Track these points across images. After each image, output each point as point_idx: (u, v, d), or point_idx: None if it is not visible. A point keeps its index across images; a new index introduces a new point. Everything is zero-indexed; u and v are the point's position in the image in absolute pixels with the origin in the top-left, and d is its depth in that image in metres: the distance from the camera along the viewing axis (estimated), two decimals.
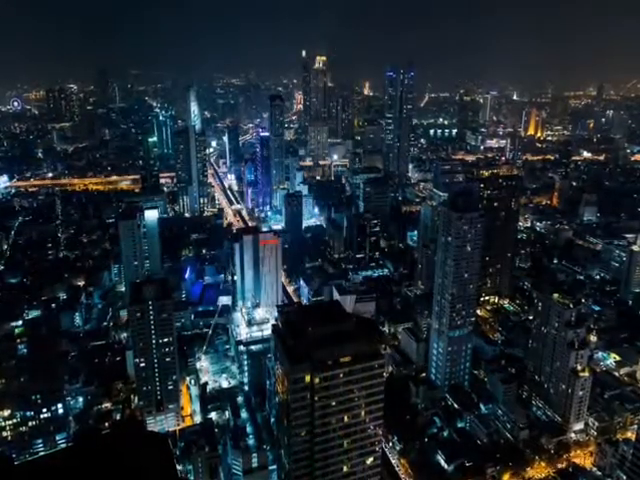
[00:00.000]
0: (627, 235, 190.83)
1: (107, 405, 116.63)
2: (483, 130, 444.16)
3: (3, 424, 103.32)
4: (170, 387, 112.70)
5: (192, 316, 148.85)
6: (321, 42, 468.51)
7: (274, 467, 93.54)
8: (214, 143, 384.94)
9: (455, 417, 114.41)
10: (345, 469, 79.54)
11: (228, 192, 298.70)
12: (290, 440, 75.92)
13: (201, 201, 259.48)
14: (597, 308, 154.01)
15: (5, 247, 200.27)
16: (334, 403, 75.10)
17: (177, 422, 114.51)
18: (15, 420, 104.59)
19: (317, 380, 72.94)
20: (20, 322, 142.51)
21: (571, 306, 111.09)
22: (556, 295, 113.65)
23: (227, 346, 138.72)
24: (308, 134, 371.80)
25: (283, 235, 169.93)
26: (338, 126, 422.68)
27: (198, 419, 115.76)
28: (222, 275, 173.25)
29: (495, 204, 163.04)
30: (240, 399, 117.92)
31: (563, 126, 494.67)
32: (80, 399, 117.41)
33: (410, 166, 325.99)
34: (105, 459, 59.06)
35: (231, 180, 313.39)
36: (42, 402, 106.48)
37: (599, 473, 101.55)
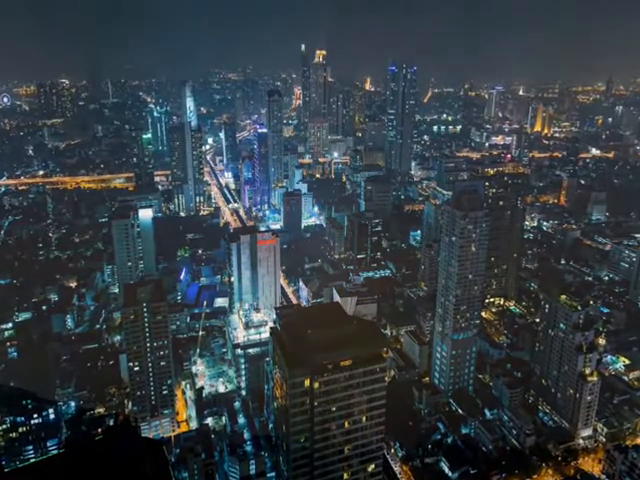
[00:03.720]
0: (637, 235, 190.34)
1: (100, 410, 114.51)
2: (488, 127, 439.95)
3: None
4: (165, 392, 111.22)
5: (188, 318, 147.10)
6: (321, 36, 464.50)
7: (272, 474, 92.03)
8: (210, 140, 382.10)
9: (459, 423, 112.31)
10: (346, 476, 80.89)
11: (225, 190, 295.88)
12: (289, 446, 75.84)
13: (197, 200, 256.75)
14: (606, 310, 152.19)
15: None
16: (334, 408, 75.23)
17: (172, 428, 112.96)
18: (5, 426, 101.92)
19: (317, 384, 73.04)
20: (10, 325, 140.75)
21: (579, 308, 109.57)
22: (563, 297, 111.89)
23: (224, 349, 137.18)
24: (307, 131, 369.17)
25: (282, 235, 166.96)
26: (338, 122, 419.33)
27: (194, 425, 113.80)
28: (219, 276, 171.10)
29: (500, 203, 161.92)
30: (237, 404, 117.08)
31: (571, 122, 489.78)
32: (72, 404, 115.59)
33: (413, 164, 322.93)
34: (98, 466, 56.93)
35: (228, 178, 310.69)
36: (33, 407, 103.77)
37: None
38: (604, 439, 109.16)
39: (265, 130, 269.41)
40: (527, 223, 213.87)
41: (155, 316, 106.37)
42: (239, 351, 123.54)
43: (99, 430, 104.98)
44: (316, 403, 73.54)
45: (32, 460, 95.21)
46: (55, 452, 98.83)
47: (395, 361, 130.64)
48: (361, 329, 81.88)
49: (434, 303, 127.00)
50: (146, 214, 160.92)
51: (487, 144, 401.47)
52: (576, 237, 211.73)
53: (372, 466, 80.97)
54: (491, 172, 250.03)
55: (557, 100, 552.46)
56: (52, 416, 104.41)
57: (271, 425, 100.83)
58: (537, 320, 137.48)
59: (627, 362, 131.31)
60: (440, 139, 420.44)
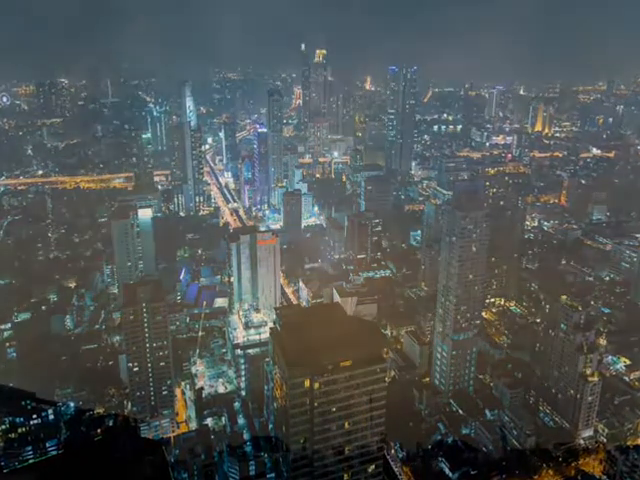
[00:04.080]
0: (638, 235, 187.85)
1: (99, 411, 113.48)
2: (489, 126, 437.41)
3: None
4: (164, 392, 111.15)
5: (187, 319, 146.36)
6: (321, 36, 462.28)
7: (272, 475, 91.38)
8: (210, 140, 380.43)
9: (459, 423, 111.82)
10: (346, 477, 79.86)
11: (225, 190, 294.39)
12: (289, 447, 75.46)
13: (197, 200, 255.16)
14: (607, 310, 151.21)
15: None
16: (334, 409, 74.59)
17: (172, 428, 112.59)
18: (4, 426, 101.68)
19: (317, 385, 72.57)
20: (9, 325, 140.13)
21: (580, 308, 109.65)
22: (564, 297, 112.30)
23: (224, 350, 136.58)
24: (307, 130, 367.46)
25: (282, 235, 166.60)
26: (339, 122, 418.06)
27: (194, 425, 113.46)
28: (219, 276, 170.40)
29: (501, 203, 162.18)
30: (237, 405, 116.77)
31: (571, 122, 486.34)
32: (71, 404, 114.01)
33: (413, 163, 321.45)
34: (97, 466, 57.63)
35: (228, 178, 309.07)
36: (32, 408, 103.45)
37: None
38: (605, 440, 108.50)
39: (265, 130, 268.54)
40: (527, 223, 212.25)
41: (155, 316, 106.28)
42: (239, 351, 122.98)
43: (98, 431, 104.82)
44: (316, 404, 72.94)
45: (31, 461, 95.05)
46: (54, 453, 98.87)
47: (395, 361, 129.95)
48: (361, 329, 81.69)
49: (434, 303, 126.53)
50: (146, 214, 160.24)
51: (488, 144, 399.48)
52: (577, 237, 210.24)
53: (372, 467, 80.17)
54: (492, 172, 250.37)
55: (558, 99, 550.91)
56: (51, 417, 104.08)
57: (271, 426, 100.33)
58: (538, 320, 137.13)
59: (628, 362, 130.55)
60: (440, 139, 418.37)
